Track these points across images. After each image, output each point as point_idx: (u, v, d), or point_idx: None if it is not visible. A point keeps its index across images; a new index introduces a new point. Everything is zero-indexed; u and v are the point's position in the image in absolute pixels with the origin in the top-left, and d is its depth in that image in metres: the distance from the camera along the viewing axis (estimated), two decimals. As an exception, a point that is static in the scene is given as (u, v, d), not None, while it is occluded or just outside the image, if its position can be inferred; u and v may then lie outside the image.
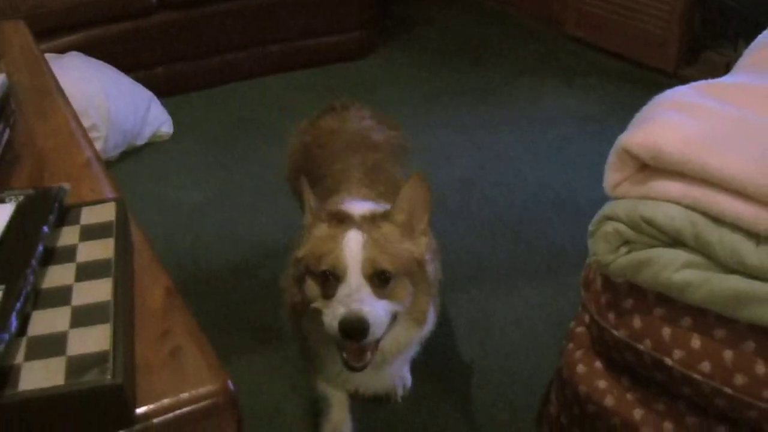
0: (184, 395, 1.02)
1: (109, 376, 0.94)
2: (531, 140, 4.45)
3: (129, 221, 1.31)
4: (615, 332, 1.89)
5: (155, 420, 1.00)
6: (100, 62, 4.38)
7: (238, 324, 3.06)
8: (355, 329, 1.93)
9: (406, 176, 2.72)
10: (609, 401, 1.97)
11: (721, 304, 1.70)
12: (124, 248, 1.21)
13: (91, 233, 1.23)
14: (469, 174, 4.11)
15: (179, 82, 4.95)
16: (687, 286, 1.72)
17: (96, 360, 0.97)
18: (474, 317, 3.11)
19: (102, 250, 1.19)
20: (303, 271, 2.10)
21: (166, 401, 1.01)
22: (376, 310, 1.97)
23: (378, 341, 2.05)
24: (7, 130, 1.64)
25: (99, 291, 1.10)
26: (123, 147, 4.28)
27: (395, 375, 2.59)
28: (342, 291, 1.98)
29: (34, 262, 1.10)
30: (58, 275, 1.14)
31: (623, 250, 1.81)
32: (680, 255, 1.74)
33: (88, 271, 1.14)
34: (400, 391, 2.72)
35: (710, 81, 2.06)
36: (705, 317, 1.77)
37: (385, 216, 2.12)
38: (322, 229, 2.11)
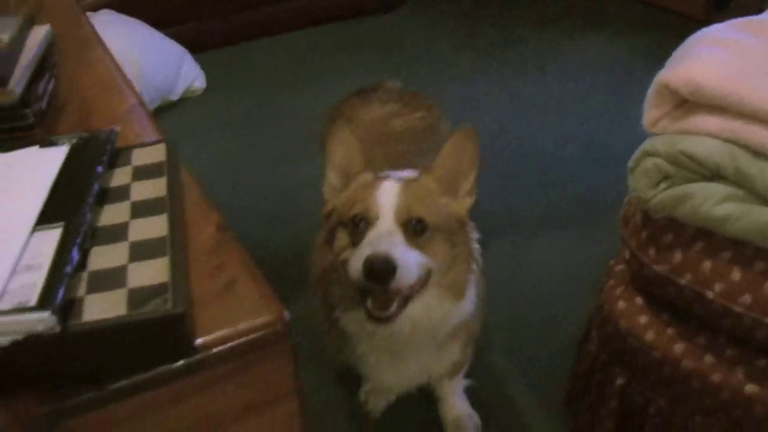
0: (241, 326, 1.05)
1: (169, 305, 0.97)
2: (560, 87, 4.44)
3: (178, 162, 1.33)
4: (655, 267, 1.90)
5: (214, 350, 1.03)
6: (132, 19, 4.41)
7: (273, 273, 3.06)
8: (379, 269, 1.73)
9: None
10: (650, 336, 1.99)
11: (761, 236, 1.71)
12: (176, 187, 1.24)
13: (143, 173, 1.26)
14: (500, 123, 4.11)
15: (210, 38, 4.96)
16: (727, 219, 1.73)
17: (156, 291, 0.99)
18: (509, 265, 3.12)
19: (155, 188, 1.22)
20: (334, 225, 1.97)
21: (223, 332, 1.04)
22: (405, 255, 1.78)
23: (407, 299, 1.86)
24: (52, 80, 1.67)
25: (155, 227, 1.13)
26: (157, 102, 4.30)
27: (426, 369, 2.26)
28: (371, 234, 1.82)
29: (90, 200, 1.13)
30: (113, 213, 1.17)
31: (663, 185, 1.81)
32: (720, 188, 1.75)
33: (142, 209, 1.17)
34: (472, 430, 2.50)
35: (747, 18, 2.05)
36: (745, 250, 1.78)
37: (425, 170, 2.01)
38: (364, 178, 1.98)
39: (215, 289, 1.11)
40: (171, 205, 1.18)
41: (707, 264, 1.82)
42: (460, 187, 1.98)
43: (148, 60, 4.16)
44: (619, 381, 2.11)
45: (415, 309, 1.91)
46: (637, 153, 1.85)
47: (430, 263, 1.86)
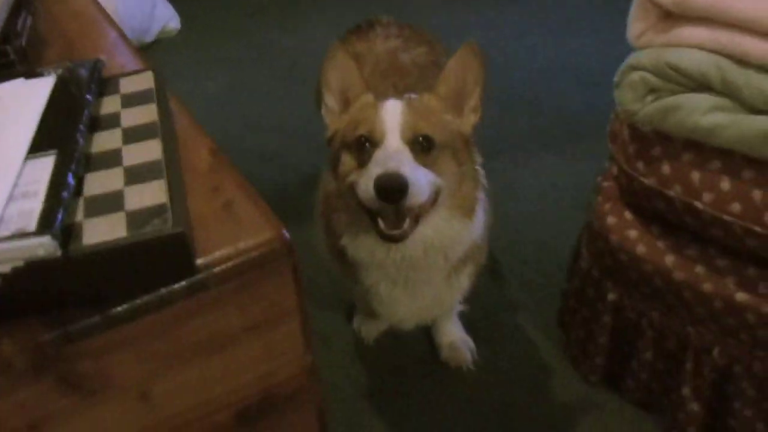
0: (241, 244, 1.05)
1: (170, 225, 0.97)
2: (543, 15, 4.43)
3: (166, 89, 1.32)
4: (644, 180, 1.91)
5: (215, 269, 1.03)
6: (104, -40, 4.35)
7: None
8: (391, 187, 1.69)
9: None
10: (640, 249, 2.00)
11: (749, 144, 1.72)
12: (167, 112, 1.23)
13: (132, 100, 1.25)
14: (484, 51, 4.09)
15: (183, -22, 4.91)
16: (715, 128, 1.74)
17: (155, 212, 0.99)
18: (499, 188, 3.13)
19: (145, 114, 1.21)
20: (337, 149, 1.93)
21: (224, 251, 1.04)
22: (415, 172, 1.74)
23: (418, 217, 1.82)
24: (30, 17, 1.65)
25: (148, 151, 1.12)
26: (132, 44, 4.27)
27: (438, 300, 2.22)
28: (378, 154, 1.78)
29: (82, 127, 1.12)
30: (105, 140, 1.16)
31: (650, 98, 1.82)
32: (707, 99, 1.75)
33: (134, 135, 1.16)
34: (468, 357, 2.53)
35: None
36: (733, 159, 1.79)
37: (428, 88, 1.97)
38: (365, 99, 1.95)
39: (213, 210, 1.10)
40: (163, 129, 1.17)
41: (696, 175, 1.83)
42: (464, 104, 1.95)
43: (122, 2, 4.12)
44: (611, 296, 2.13)
45: (427, 230, 1.89)
46: (623, 67, 1.85)
47: (438, 181, 1.83)
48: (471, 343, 2.54)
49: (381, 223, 1.80)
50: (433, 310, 2.30)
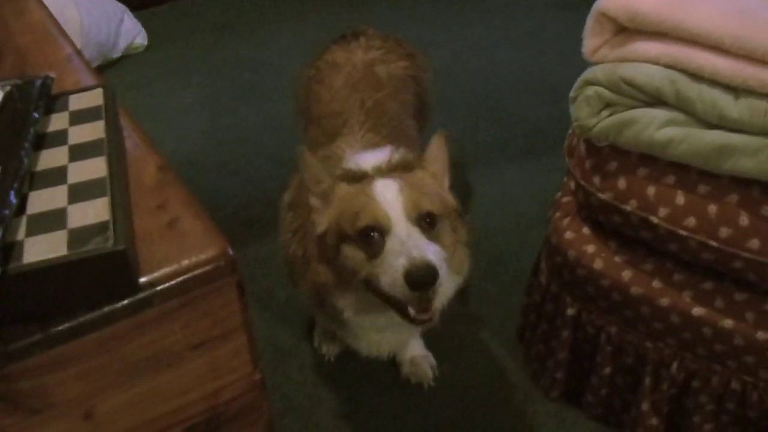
0: (185, 262, 1.05)
1: (111, 243, 0.96)
2: (506, 29, 4.45)
3: (117, 105, 1.32)
4: (601, 195, 1.92)
5: (158, 287, 1.02)
6: (69, -24, 4.34)
7: (227, 219, 3.10)
8: (424, 277, 1.65)
9: (419, 106, 2.63)
10: (598, 264, 2.01)
11: (703, 159, 1.73)
12: (115, 129, 1.22)
13: (80, 117, 1.24)
14: (446, 64, 4.11)
15: (150, -7, 4.91)
16: (669, 143, 1.75)
17: (97, 230, 0.99)
18: (461, 201, 3.14)
19: (93, 131, 1.20)
20: (335, 243, 1.86)
21: (168, 269, 1.04)
22: (436, 254, 1.71)
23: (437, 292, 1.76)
24: (-16, 31, 1.64)
25: (94, 168, 1.12)
26: (99, 60, 4.25)
27: (407, 335, 2.30)
28: (391, 243, 1.73)
29: (27, 144, 1.11)
30: (51, 157, 1.15)
31: (605, 113, 1.83)
32: (661, 113, 1.76)
33: (81, 152, 1.16)
34: (429, 373, 2.51)
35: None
36: (688, 174, 1.81)
37: (416, 163, 1.95)
38: (343, 189, 1.88)
39: (158, 227, 1.10)
40: (109, 146, 1.16)
41: (651, 189, 1.84)
42: (443, 184, 1.97)
43: (87, 17, 4.11)
44: (570, 311, 2.14)
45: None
46: (578, 82, 1.86)
47: (444, 254, 1.79)
48: (432, 360, 2.54)
49: (411, 311, 1.77)
50: (401, 344, 2.34)
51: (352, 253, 1.81)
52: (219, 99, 3.96)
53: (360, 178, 1.91)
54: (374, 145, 2.16)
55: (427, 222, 1.77)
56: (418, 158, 1.97)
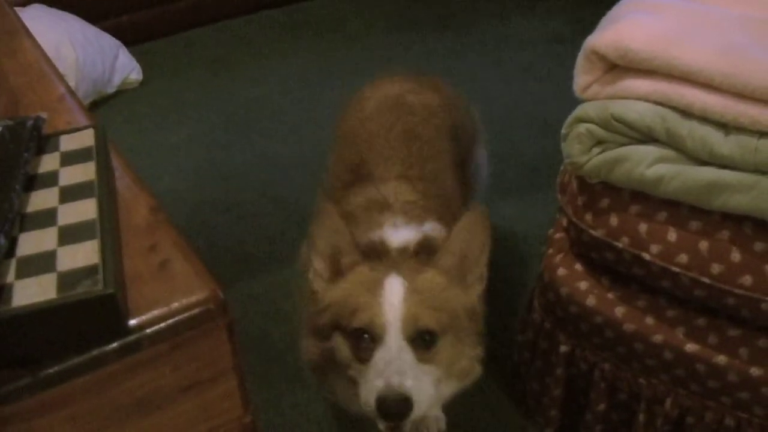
0: (175, 304, 1.05)
1: (100, 286, 0.96)
2: (499, 63, 4.45)
3: (108, 146, 1.32)
4: (593, 232, 1.92)
5: (148, 330, 1.02)
6: (64, 12, 4.35)
7: (220, 256, 3.09)
8: (394, 408, 1.61)
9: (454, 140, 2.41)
10: (591, 301, 2.01)
11: (694, 195, 1.74)
12: (106, 170, 1.22)
13: (71, 159, 1.24)
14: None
15: (145, 29, 4.88)
16: (660, 180, 1.75)
17: (86, 273, 0.99)
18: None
19: (83, 173, 1.20)
20: (328, 325, 1.79)
21: (157, 311, 1.04)
22: (420, 383, 1.65)
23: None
24: (-23, 71, 1.65)
25: (84, 210, 1.12)
26: (93, 96, 4.26)
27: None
28: (379, 356, 1.66)
29: (17, 186, 1.11)
30: (41, 199, 1.15)
31: (596, 150, 1.83)
32: (652, 150, 1.77)
33: (71, 193, 1.16)
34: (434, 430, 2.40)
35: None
36: (679, 210, 1.81)
37: (430, 260, 1.81)
38: (362, 273, 1.79)
39: (149, 269, 1.10)
40: (100, 188, 1.16)
41: (643, 226, 1.84)
42: (469, 273, 1.84)
43: (82, 53, 4.12)
44: (564, 348, 2.13)
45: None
46: (569, 119, 1.86)
47: (439, 373, 1.74)
48: (443, 424, 2.42)
49: (380, 425, 1.72)
50: None
51: (343, 348, 1.75)
52: (213, 134, 3.96)
53: (381, 260, 1.82)
54: (404, 207, 2.03)
55: (424, 339, 1.70)
56: (445, 241, 1.83)
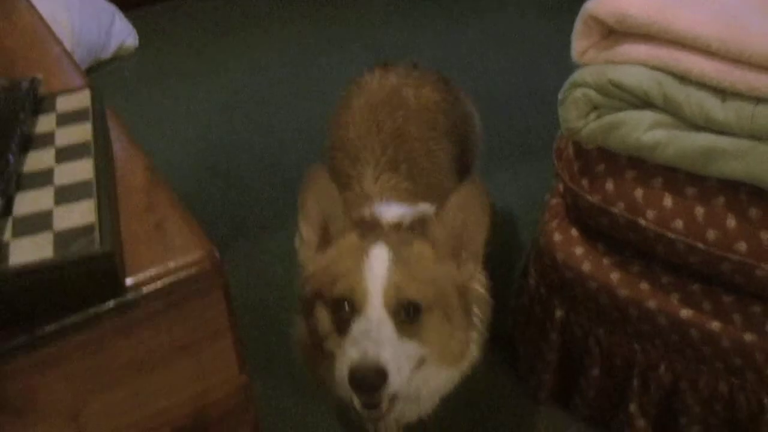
0: (171, 264, 1.05)
1: (97, 245, 0.96)
2: (496, 32, 4.44)
3: (104, 107, 1.32)
4: (589, 197, 1.93)
5: (144, 289, 1.03)
6: (60, -23, 4.34)
7: (215, 222, 3.10)
8: (366, 381, 1.52)
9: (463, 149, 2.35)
10: (586, 267, 2.01)
11: (690, 161, 1.74)
12: (102, 131, 1.22)
13: (67, 119, 1.24)
14: (434, 66, 4.11)
15: (141, -6, 4.89)
16: (656, 146, 1.75)
17: (83, 232, 0.99)
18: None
19: (80, 133, 1.20)
20: (312, 295, 1.72)
21: (153, 271, 1.04)
22: (397, 356, 1.55)
23: (397, 393, 1.62)
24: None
25: (80, 170, 1.11)
26: (88, 62, 4.24)
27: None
28: (357, 326, 1.58)
29: (13, 146, 1.11)
30: (38, 159, 1.15)
31: (593, 115, 1.83)
32: (649, 115, 1.76)
33: (67, 154, 1.16)
34: None
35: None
36: (676, 176, 1.81)
37: (421, 231, 1.74)
38: (350, 241, 1.71)
39: (145, 229, 1.10)
40: (97, 148, 1.16)
41: (639, 192, 1.85)
42: (464, 249, 1.73)
43: (78, 18, 4.10)
44: (558, 313, 2.14)
45: (410, 387, 1.69)
46: (566, 85, 1.86)
47: (423, 350, 1.65)
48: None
49: (357, 402, 1.62)
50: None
51: (324, 319, 1.68)
52: (210, 102, 3.95)
53: (371, 231, 1.75)
54: (394, 191, 1.98)
55: (407, 313, 1.60)
56: (438, 214, 1.75)
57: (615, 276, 1.98)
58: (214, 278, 1.08)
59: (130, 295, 1.02)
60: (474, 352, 1.82)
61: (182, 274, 1.05)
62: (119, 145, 1.28)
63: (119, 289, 1.01)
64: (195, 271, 1.06)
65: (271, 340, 2.63)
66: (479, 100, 3.74)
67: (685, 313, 1.90)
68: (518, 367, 2.44)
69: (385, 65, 2.44)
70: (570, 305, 2.11)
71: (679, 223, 1.80)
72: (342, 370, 1.56)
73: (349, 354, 1.54)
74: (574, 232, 2.07)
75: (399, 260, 1.63)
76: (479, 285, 1.85)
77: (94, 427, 1.11)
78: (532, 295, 2.23)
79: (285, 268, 2.81)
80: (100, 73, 4.25)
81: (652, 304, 1.93)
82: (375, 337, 1.54)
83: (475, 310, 1.81)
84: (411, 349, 1.60)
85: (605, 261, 2.00)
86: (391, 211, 1.88)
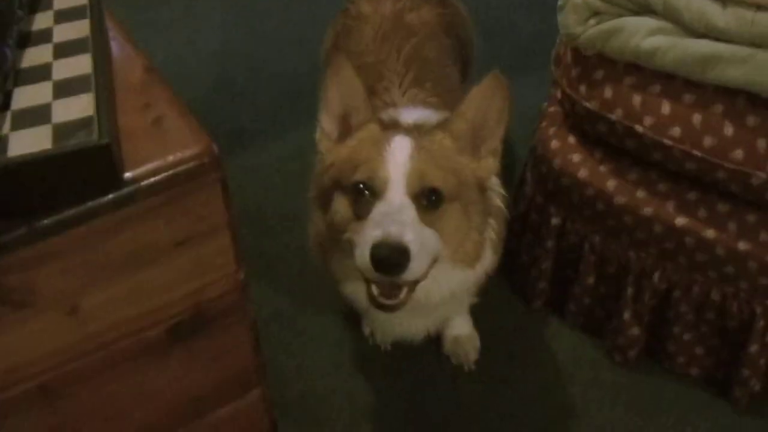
0: (170, 158, 1.06)
1: (95, 137, 0.97)
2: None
3: (102, 6, 1.31)
4: (586, 104, 1.92)
5: (143, 183, 1.04)
6: None
7: (214, 131, 3.01)
8: (390, 260, 1.47)
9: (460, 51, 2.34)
10: (583, 173, 2.02)
11: (689, 68, 1.73)
12: (100, 28, 1.22)
13: (65, 16, 1.24)
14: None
15: None
16: (655, 52, 1.75)
17: (81, 124, 1.00)
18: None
19: (78, 30, 1.20)
20: (330, 186, 1.68)
21: (152, 165, 1.05)
22: (420, 238, 1.52)
23: (416, 283, 1.59)
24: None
25: (79, 65, 1.12)
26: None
27: (445, 317, 2.11)
28: (378, 210, 1.55)
29: (10, 40, 1.11)
30: (35, 55, 1.15)
31: (592, 21, 1.82)
32: (648, 22, 1.75)
33: (65, 49, 1.16)
34: (472, 356, 2.29)
35: None
36: (674, 83, 1.81)
37: (441, 124, 1.71)
38: (371, 130, 1.68)
39: (143, 125, 1.11)
40: (95, 44, 1.16)
41: (637, 98, 1.84)
42: (483, 144, 1.70)
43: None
44: (555, 220, 2.15)
45: (425, 282, 1.64)
46: (566, -10, 1.85)
47: (440, 243, 1.61)
48: (477, 341, 2.32)
49: (374, 290, 1.59)
50: (436, 326, 2.10)
51: (342, 207, 1.64)
52: (207, 12, 3.89)
53: (392, 126, 1.71)
54: (420, 102, 1.94)
55: (429, 200, 1.57)
56: (459, 109, 1.70)
57: (611, 183, 1.98)
58: (212, 172, 1.09)
59: (128, 189, 1.03)
60: (488, 257, 1.80)
61: (180, 169, 1.06)
62: (116, 44, 1.28)
63: (117, 182, 1.02)
64: (193, 166, 1.07)
65: (268, 246, 2.64)
66: (477, 10, 3.71)
67: (681, 220, 1.91)
68: (513, 276, 2.44)
69: None
70: (566, 212, 2.12)
71: (676, 130, 1.80)
72: (363, 252, 1.50)
73: (373, 234, 1.50)
74: (571, 139, 2.07)
75: (421, 148, 1.61)
76: (496, 197, 1.84)
77: (92, 320, 1.13)
78: (529, 203, 2.24)
79: (283, 178, 2.81)
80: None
81: (647, 211, 1.94)
82: (398, 219, 1.51)
83: (491, 221, 1.80)
84: (430, 236, 1.57)
85: (602, 168, 2.00)
86: (416, 114, 1.84)
